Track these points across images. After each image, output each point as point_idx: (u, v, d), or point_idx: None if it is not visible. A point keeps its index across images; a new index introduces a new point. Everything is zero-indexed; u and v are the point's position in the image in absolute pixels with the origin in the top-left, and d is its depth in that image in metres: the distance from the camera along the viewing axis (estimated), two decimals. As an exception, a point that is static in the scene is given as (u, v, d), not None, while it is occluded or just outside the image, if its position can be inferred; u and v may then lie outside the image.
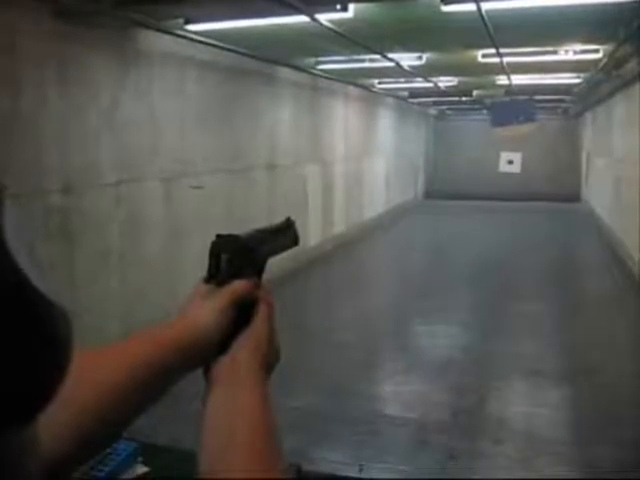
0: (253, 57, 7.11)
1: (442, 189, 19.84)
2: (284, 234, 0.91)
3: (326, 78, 9.57)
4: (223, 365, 0.72)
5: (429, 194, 20.21)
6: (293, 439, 3.83)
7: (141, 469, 1.56)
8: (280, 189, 8.83)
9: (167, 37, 5.57)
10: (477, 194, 18.87)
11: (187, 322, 0.74)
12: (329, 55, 7.92)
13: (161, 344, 0.72)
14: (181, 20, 5.41)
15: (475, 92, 12.74)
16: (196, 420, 0.68)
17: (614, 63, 7.83)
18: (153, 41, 5.61)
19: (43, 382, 0.38)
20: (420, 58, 7.82)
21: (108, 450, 1.51)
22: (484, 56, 7.55)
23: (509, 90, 11.74)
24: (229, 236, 0.80)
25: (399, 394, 5.12)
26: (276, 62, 7.85)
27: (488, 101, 13.83)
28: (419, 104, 16.43)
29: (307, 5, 4.66)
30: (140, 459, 1.58)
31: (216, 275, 0.78)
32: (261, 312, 0.78)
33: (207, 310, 0.75)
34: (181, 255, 6.04)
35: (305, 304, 8.05)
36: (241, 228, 0.84)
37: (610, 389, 5.02)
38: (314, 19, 4.99)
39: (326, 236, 10.76)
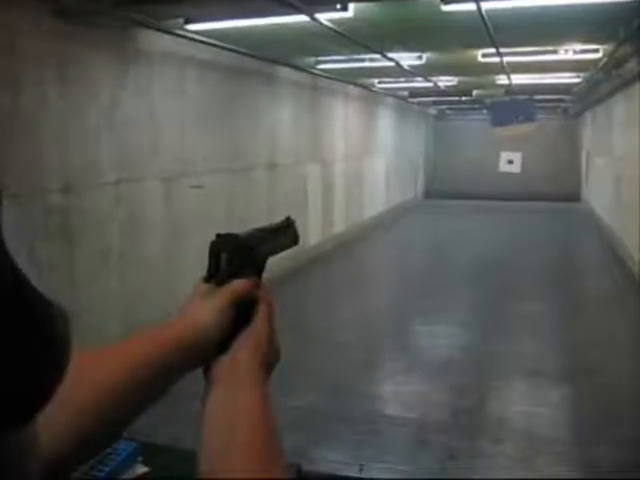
0: (253, 57, 7.11)
1: (442, 189, 19.84)
2: (284, 233, 0.91)
3: (326, 78, 9.57)
4: (223, 365, 0.72)
5: (429, 194, 20.22)
6: (293, 439, 3.83)
7: (141, 469, 1.56)
8: (280, 189, 8.83)
9: (167, 37, 5.57)
10: (477, 194, 18.87)
11: (187, 322, 0.74)
12: (329, 55, 7.92)
13: (161, 344, 0.72)
14: (181, 20, 5.41)
15: (475, 92, 12.74)
16: (196, 420, 0.68)
17: (614, 63, 7.83)
18: (153, 41, 5.61)
19: (42, 382, 0.38)
20: (420, 58, 7.82)
21: (108, 450, 1.50)
22: (484, 56, 7.55)
23: (509, 90, 11.74)
24: (229, 235, 0.79)
25: (399, 394, 5.12)
26: (276, 62, 7.85)
27: (488, 101, 13.83)
28: (419, 104, 16.43)
29: (307, 4, 4.66)
30: (140, 459, 1.58)
31: (216, 274, 0.78)
32: (261, 312, 0.78)
33: (207, 310, 0.75)
34: (181, 255, 6.04)
35: (305, 304, 8.05)
36: (241, 227, 0.84)
37: (610, 389, 5.02)
38: (314, 19, 4.99)
39: (326, 235, 10.76)
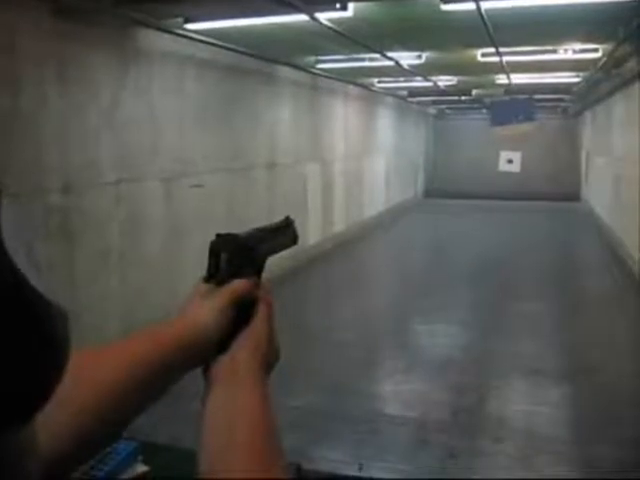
0: (253, 56, 7.11)
1: (442, 188, 19.84)
2: (283, 233, 0.91)
3: (326, 77, 9.57)
4: (223, 364, 0.72)
5: (429, 193, 20.22)
6: (293, 438, 3.83)
7: (141, 468, 1.56)
8: (280, 188, 8.83)
9: (167, 36, 5.57)
10: (477, 193, 18.88)
11: (187, 321, 0.74)
12: (329, 54, 7.92)
13: (161, 343, 0.72)
14: (181, 19, 5.41)
15: (474, 91, 12.74)
16: (196, 419, 0.68)
17: (613, 62, 7.83)
18: (153, 40, 5.61)
19: (41, 381, 0.38)
20: (420, 57, 7.82)
21: (108, 449, 1.51)
22: (483, 55, 7.55)
23: (508, 89, 11.74)
24: (228, 235, 0.80)
25: (399, 393, 5.12)
26: (276, 61, 7.85)
27: (487, 100, 13.83)
28: (418, 103, 16.43)
29: (306, 4, 4.66)
30: (140, 458, 1.58)
31: (216, 274, 0.78)
32: (261, 311, 0.78)
33: (207, 309, 0.75)
34: (181, 254, 6.04)
35: (305, 303, 8.05)
36: (241, 227, 0.84)
37: (610, 388, 5.02)
38: (314, 18, 4.99)
39: (326, 235, 10.76)
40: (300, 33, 6.02)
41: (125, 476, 1.52)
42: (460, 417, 4.59)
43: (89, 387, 0.64)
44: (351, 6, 4.79)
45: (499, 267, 9.88)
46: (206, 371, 0.73)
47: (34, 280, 0.37)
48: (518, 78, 10.14)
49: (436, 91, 12.18)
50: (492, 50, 6.98)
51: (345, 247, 11.23)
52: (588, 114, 16.46)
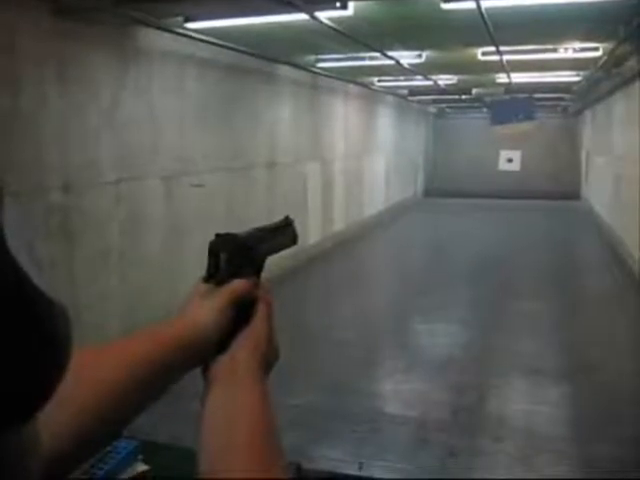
0: (253, 55, 7.11)
1: (442, 187, 19.84)
2: (283, 233, 0.91)
3: (326, 76, 9.56)
4: (222, 364, 0.72)
5: (429, 192, 20.21)
6: (293, 437, 3.83)
7: (141, 467, 1.56)
8: (280, 187, 8.83)
9: (167, 35, 5.57)
10: (477, 192, 18.87)
11: (186, 321, 0.74)
12: (329, 53, 7.92)
13: (161, 342, 0.72)
14: (181, 18, 5.41)
15: (475, 90, 12.73)
16: (196, 418, 0.68)
17: (614, 61, 7.82)
18: (153, 39, 5.61)
19: (42, 380, 0.39)
20: (420, 56, 7.81)
21: (108, 448, 1.51)
22: (484, 54, 7.55)
23: (509, 88, 11.73)
24: (228, 235, 0.80)
25: (399, 392, 5.12)
26: (276, 60, 7.84)
27: (488, 99, 13.82)
28: (419, 102, 16.42)
29: (307, 3, 4.65)
30: (140, 457, 1.58)
31: (215, 274, 0.79)
32: (260, 311, 0.78)
33: (206, 309, 0.75)
34: (181, 254, 6.04)
35: (305, 302, 8.05)
36: (241, 226, 0.84)
37: (610, 387, 5.02)
38: (314, 17, 4.99)
39: (326, 234, 10.76)
40: (300, 32, 6.02)
41: (125, 475, 1.52)
42: (460, 416, 4.59)
43: (89, 386, 0.64)
44: (351, 5, 4.78)
45: (499, 266, 9.88)
46: (205, 371, 0.73)
47: (36, 278, 0.38)
48: (518, 77, 10.13)
49: (436, 90, 12.18)
50: (492, 49, 6.98)
51: (345, 246, 11.23)
52: (588, 113, 16.45)
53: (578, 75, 10.17)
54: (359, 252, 11.43)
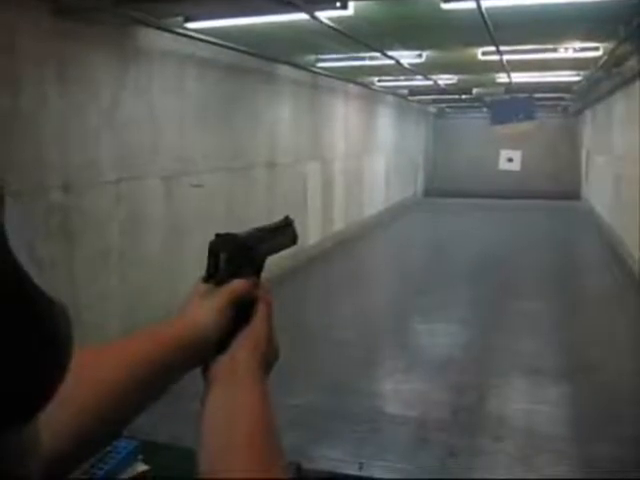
0: (253, 55, 7.11)
1: (442, 187, 19.84)
2: (283, 233, 0.91)
3: (326, 76, 9.56)
4: (222, 364, 0.73)
5: (429, 192, 20.21)
6: (293, 437, 3.83)
7: (141, 467, 1.56)
8: (280, 187, 8.83)
9: (167, 35, 5.57)
10: (477, 192, 18.87)
11: (186, 321, 0.74)
12: (329, 53, 7.92)
13: (161, 342, 0.72)
14: (181, 18, 5.41)
15: (475, 90, 12.73)
16: (196, 418, 0.68)
17: (614, 61, 7.82)
18: (153, 39, 5.61)
19: (43, 380, 0.39)
20: (420, 56, 7.81)
21: (108, 448, 1.51)
22: (484, 54, 7.55)
23: (509, 88, 11.73)
24: (227, 235, 0.80)
25: (399, 392, 5.13)
26: (276, 60, 7.84)
27: (488, 99, 13.81)
28: (419, 102, 16.42)
29: (307, 3, 4.65)
30: (140, 457, 1.58)
31: (215, 274, 0.79)
32: (260, 311, 0.78)
33: (206, 309, 0.75)
34: (181, 253, 6.04)
35: (305, 302, 8.05)
36: (241, 226, 0.84)
37: (610, 387, 5.02)
38: (314, 17, 4.99)
39: (326, 234, 10.76)
40: (300, 32, 6.02)
41: (125, 475, 1.52)
42: (460, 416, 4.59)
43: (89, 386, 0.64)
44: (351, 5, 4.78)
45: (499, 265, 9.88)
46: (205, 371, 0.73)
47: (36, 278, 0.38)
48: (518, 77, 10.13)
49: (436, 90, 12.17)
50: (492, 49, 6.98)
51: (345, 246, 11.23)
52: (588, 113, 16.45)
53: (578, 75, 10.17)
54: (359, 252, 11.43)
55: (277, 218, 0.92)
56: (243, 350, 0.74)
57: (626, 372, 5.43)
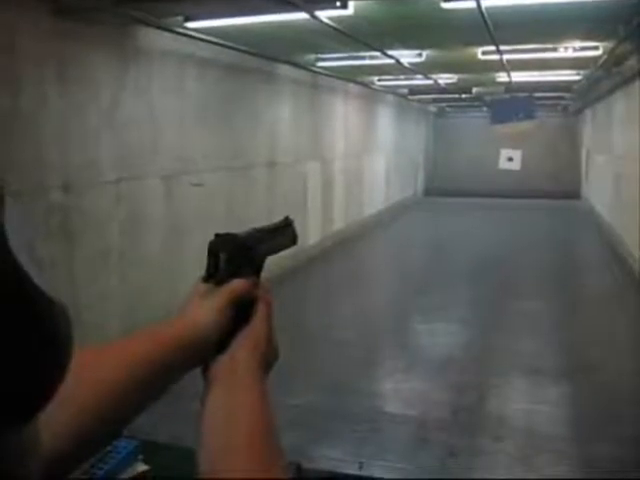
0: (253, 54, 7.11)
1: (442, 186, 19.84)
2: (282, 233, 0.91)
3: (326, 75, 9.56)
4: (222, 364, 0.73)
5: (429, 191, 20.21)
6: (293, 437, 3.83)
7: (141, 467, 1.56)
8: (280, 187, 8.83)
9: (167, 34, 5.57)
10: (477, 191, 18.88)
11: (186, 321, 0.74)
12: (329, 52, 7.91)
13: (161, 342, 0.72)
14: (181, 17, 5.41)
15: (475, 89, 12.72)
16: (196, 418, 0.68)
17: (614, 60, 7.82)
18: (153, 39, 5.61)
19: (43, 380, 0.39)
20: (420, 55, 7.81)
21: (108, 448, 1.51)
22: (484, 53, 7.55)
23: (509, 87, 11.73)
24: (227, 235, 0.80)
25: (399, 391, 5.13)
26: (276, 59, 7.84)
27: (488, 98, 13.81)
28: (419, 101, 16.42)
29: (307, 2, 4.65)
30: (140, 457, 1.58)
31: (215, 274, 0.79)
32: (260, 311, 0.78)
33: (206, 310, 0.75)
34: (181, 253, 6.04)
35: (305, 302, 8.05)
36: (241, 225, 0.84)
37: (610, 387, 5.02)
38: (314, 16, 4.99)
39: (326, 233, 10.76)
40: (300, 31, 6.02)
41: (125, 475, 1.52)
42: (460, 416, 4.59)
43: (89, 386, 0.64)
44: (351, 4, 4.78)
45: (499, 265, 9.88)
46: (205, 371, 0.73)
47: (36, 278, 0.38)
48: (518, 76, 10.13)
49: (436, 89, 12.17)
50: (492, 48, 6.97)
51: (345, 245, 11.23)
52: (588, 112, 16.45)
53: (578, 74, 10.17)
54: (359, 252, 11.43)
55: (277, 218, 0.92)
56: (243, 350, 0.74)
57: (626, 372, 5.43)
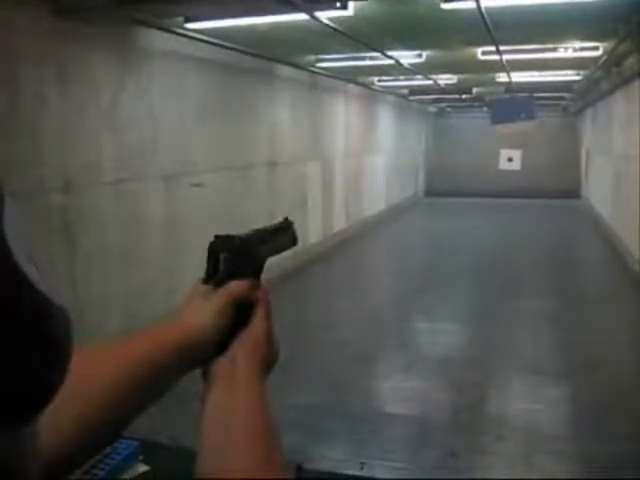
0: (253, 55, 7.11)
1: (442, 186, 19.84)
2: (282, 234, 0.91)
3: (326, 76, 9.56)
4: (222, 365, 0.73)
5: (429, 191, 20.21)
6: (293, 437, 3.83)
7: (142, 468, 1.56)
8: (280, 187, 8.83)
9: (167, 35, 5.57)
10: (477, 191, 18.88)
11: (185, 323, 0.74)
12: (329, 53, 7.92)
13: (160, 344, 0.72)
14: (181, 18, 5.41)
15: (475, 90, 12.73)
16: (196, 419, 0.68)
17: (614, 60, 7.82)
18: (153, 39, 5.61)
19: (43, 382, 0.38)
20: (420, 56, 7.81)
21: (109, 449, 1.51)
22: (484, 53, 7.55)
23: (509, 87, 11.73)
24: (227, 236, 0.80)
25: (400, 391, 5.12)
26: (276, 60, 7.84)
27: (488, 98, 13.81)
28: (419, 102, 16.42)
29: (307, 3, 4.65)
30: (141, 458, 1.58)
31: (214, 276, 0.78)
32: (259, 312, 0.78)
33: (204, 311, 0.75)
34: (181, 254, 6.04)
35: (306, 302, 8.05)
36: (242, 226, 0.84)
37: (610, 386, 5.02)
38: (314, 17, 4.99)
39: (326, 234, 10.76)
40: (300, 32, 6.02)
41: (126, 476, 1.52)
42: (461, 415, 4.59)
43: (89, 387, 0.64)
44: (351, 5, 4.78)
45: (499, 265, 9.88)
46: (205, 372, 0.73)
47: (36, 279, 0.37)
48: (518, 76, 10.13)
49: (436, 89, 12.17)
50: (492, 48, 6.97)
51: (345, 246, 11.23)
52: (588, 112, 16.44)
53: (578, 74, 10.17)
54: (360, 252, 11.43)
55: (278, 218, 0.92)
56: (243, 351, 0.74)
57: (627, 371, 5.43)
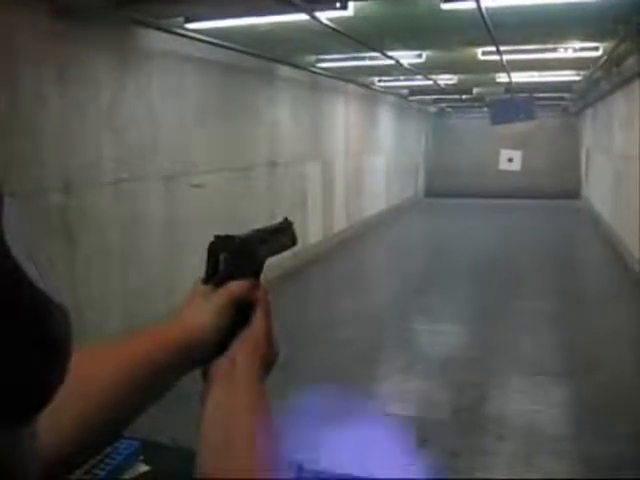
0: (253, 55, 7.11)
1: (442, 187, 19.84)
2: (282, 234, 0.91)
3: (326, 76, 9.56)
4: (222, 365, 0.73)
5: (429, 192, 20.21)
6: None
7: (142, 468, 1.56)
8: (281, 187, 8.83)
9: (167, 35, 5.57)
10: (477, 192, 18.89)
11: (185, 323, 0.74)
12: (329, 53, 7.92)
13: (160, 344, 0.72)
14: (181, 18, 5.41)
15: (475, 90, 12.73)
16: (197, 419, 0.68)
17: (614, 60, 7.82)
18: (153, 39, 5.61)
19: (42, 382, 0.38)
20: (420, 56, 7.81)
21: (109, 449, 1.51)
22: (484, 54, 7.55)
23: (509, 88, 11.73)
24: (227, 237, 0.80)
25: (400, 391, 5.12)
26: (276, 60, 7.84)
27: (488, 99, 13.82)
28: (419, 102, 16.43)
29: (307, 3, 4.65)
30: (141, 458, 1.58)
31: (214, 276, 0.78)
32: (259, 312, 0.78)
33: (204, 312, 0.75)
34: (181, 254, 6.04)
35: (306, 302, 8.05)
36: (242, 226, 0.84)
37: (611, 386, 5.02)
38: (314, 17, 4.99)
39: (326, 234, 10.76)
40: (300, 32, 6.02)
41: (126, 476, 1.52)
42: (461, 416, 4.59)
43: (90, 387, 0.64)
44: (351, 5, 4.78)
45: (499, 265, 9.88)
46: (205, 372, 0.73)
47: (35, 277, 0.37)
48: (519, 77, 10.13)
49: (437, 90, 12.18)
50: (492, 49, 6.98)
51: (346, 246, 11.23)
52: (588, 112, 16.44)
53: (578, 75, 10.17)
54: (360, 252, 11.43)
55: (278, 218, 0.92)
56: (243, 351, 0.74)
57: (627, 371, 5.43)
